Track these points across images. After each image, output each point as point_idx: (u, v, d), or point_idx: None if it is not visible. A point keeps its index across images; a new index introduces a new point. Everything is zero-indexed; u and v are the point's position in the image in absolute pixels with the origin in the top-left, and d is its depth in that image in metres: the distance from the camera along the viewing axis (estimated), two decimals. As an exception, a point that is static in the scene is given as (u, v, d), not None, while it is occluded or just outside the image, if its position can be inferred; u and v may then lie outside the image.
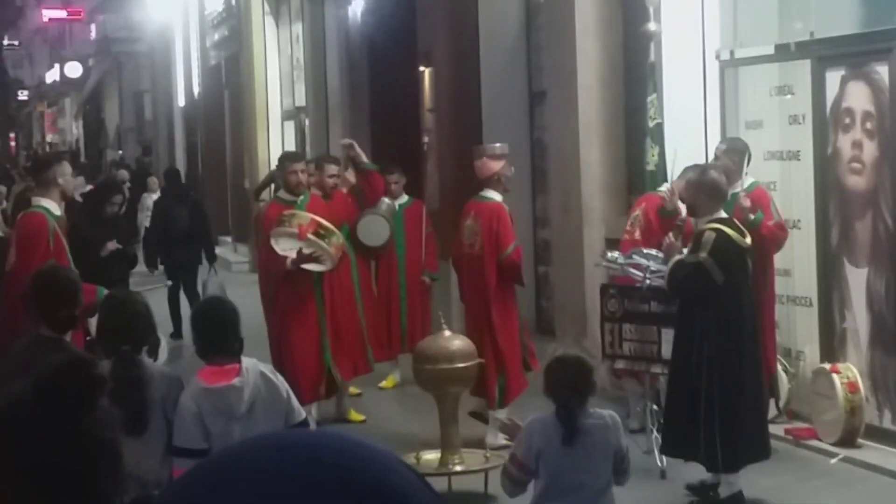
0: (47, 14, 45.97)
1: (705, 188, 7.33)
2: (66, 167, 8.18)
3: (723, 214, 7.40)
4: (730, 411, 7.12)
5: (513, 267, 8.66)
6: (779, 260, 9.26)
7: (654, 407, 8.14)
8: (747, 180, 8.50)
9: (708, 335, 7.11)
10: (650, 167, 9.30)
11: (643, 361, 8.25)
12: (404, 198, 11.06)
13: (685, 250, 7.47)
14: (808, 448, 8.42)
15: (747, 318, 7.25)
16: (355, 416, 9.84)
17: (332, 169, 9.75)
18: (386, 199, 10.25)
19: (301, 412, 5.24)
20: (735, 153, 8.52)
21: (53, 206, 7.77)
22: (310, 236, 8.71)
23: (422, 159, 14.77)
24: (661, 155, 9.28)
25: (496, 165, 8.85)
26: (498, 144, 9.21)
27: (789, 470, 8.02)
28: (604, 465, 4.97)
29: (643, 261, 8.18)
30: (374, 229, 10.08)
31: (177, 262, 13.60)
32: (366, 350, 9.63)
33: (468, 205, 9.04)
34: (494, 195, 8.84)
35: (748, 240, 7.36)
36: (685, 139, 9.54)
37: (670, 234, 7.76)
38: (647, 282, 8.05)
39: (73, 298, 5.39)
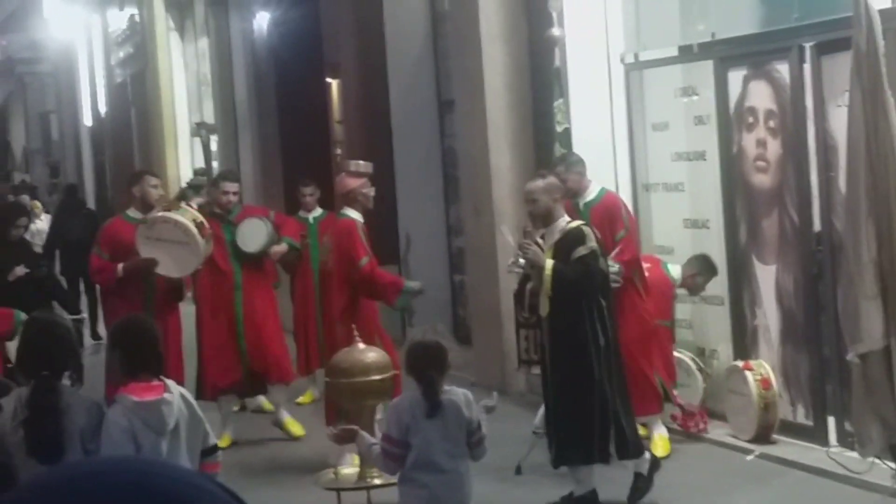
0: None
1: (555, 189, 7.40)
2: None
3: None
4: (625, 396, 7.27)
5: (365, 281, 8.45)
6: (689, 260, 9.34)
7: None
8: (595, 188, 8.58)
9: (604, 325, 7.16)
10: (559, 171, 9.32)
11: None
12: (318, 211, 11.00)
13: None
14: (724, 445, 8.49)
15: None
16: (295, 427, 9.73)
17: (229, 186, 9.66)
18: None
19: (213, 437, 5.25)
20: (576, 165, 8.56)
21: None
22: (203, 237, 8.68)
23: (332, 171, 14.70)
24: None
25: (353, 183, 8.71)
26: (362, 162, 9.09)
27: (705, 467, 8.08)
28: (460, 435, 5.61)
29: None
30: (251, 233, 9.48)
31: (73, 269, 15.18)
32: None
33: (325, 221, 9.28)
34: (352, 213, 8.73)
35: None
36: (593, 143, 9.58)
37: (530, 244, 7.65)
38: None
39: None
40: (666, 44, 9.44)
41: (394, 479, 7.57)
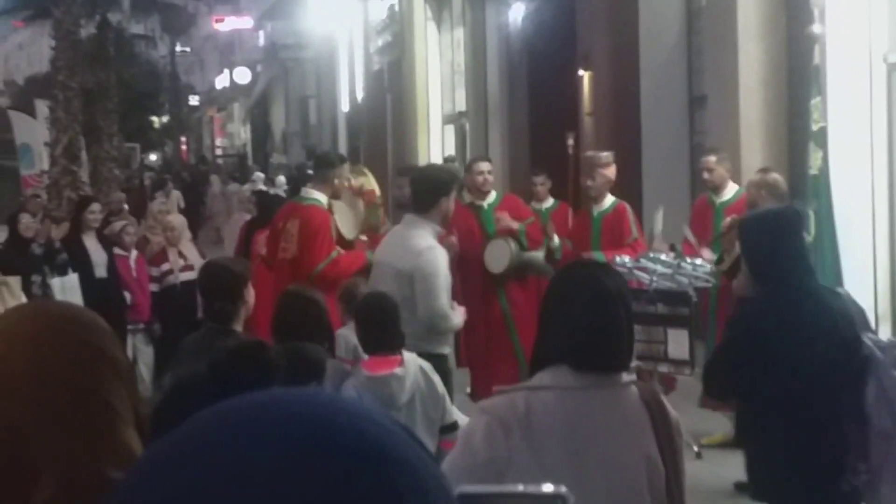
0: (218, 26, 47.22)
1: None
2: (346, 170, 8.45)
3: None
4: None
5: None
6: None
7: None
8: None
9: None
10: (813, 171, 9.08)
11: (651, 361, 8.46)
12: (550, 201, 10.96)
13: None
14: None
15: None
16: None
17: (482, 165, 9.76)
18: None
19: (453, 414, 5.27)
20: (727, 161, 9.00)
21: (325, 201, 8.08)
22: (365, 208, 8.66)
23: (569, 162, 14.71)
24: (825, 159, 9.06)
25: (612, 171, 9.28)
26: (605, 153, 9.66)
27: None
28: None
29: (650, 265, 8.42)
30: (496, 254, 9.31)
31: None
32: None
33: (557, 212, 9.95)
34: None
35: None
36: (850, 143, 9.31)
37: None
38: (654, 284, 8.35)
39: (229, 292, 5.26)
40: (933, 43, 9.09)
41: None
